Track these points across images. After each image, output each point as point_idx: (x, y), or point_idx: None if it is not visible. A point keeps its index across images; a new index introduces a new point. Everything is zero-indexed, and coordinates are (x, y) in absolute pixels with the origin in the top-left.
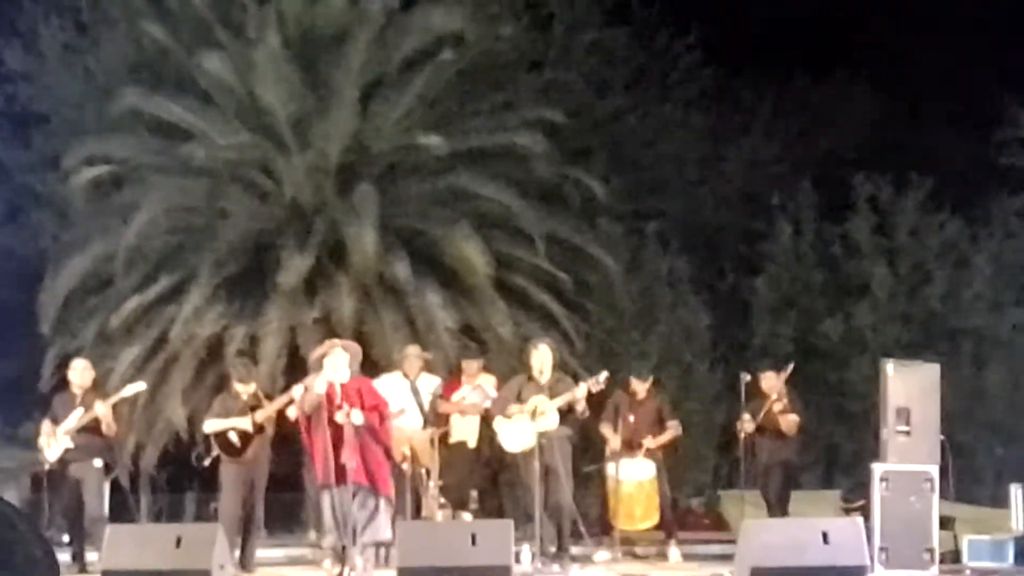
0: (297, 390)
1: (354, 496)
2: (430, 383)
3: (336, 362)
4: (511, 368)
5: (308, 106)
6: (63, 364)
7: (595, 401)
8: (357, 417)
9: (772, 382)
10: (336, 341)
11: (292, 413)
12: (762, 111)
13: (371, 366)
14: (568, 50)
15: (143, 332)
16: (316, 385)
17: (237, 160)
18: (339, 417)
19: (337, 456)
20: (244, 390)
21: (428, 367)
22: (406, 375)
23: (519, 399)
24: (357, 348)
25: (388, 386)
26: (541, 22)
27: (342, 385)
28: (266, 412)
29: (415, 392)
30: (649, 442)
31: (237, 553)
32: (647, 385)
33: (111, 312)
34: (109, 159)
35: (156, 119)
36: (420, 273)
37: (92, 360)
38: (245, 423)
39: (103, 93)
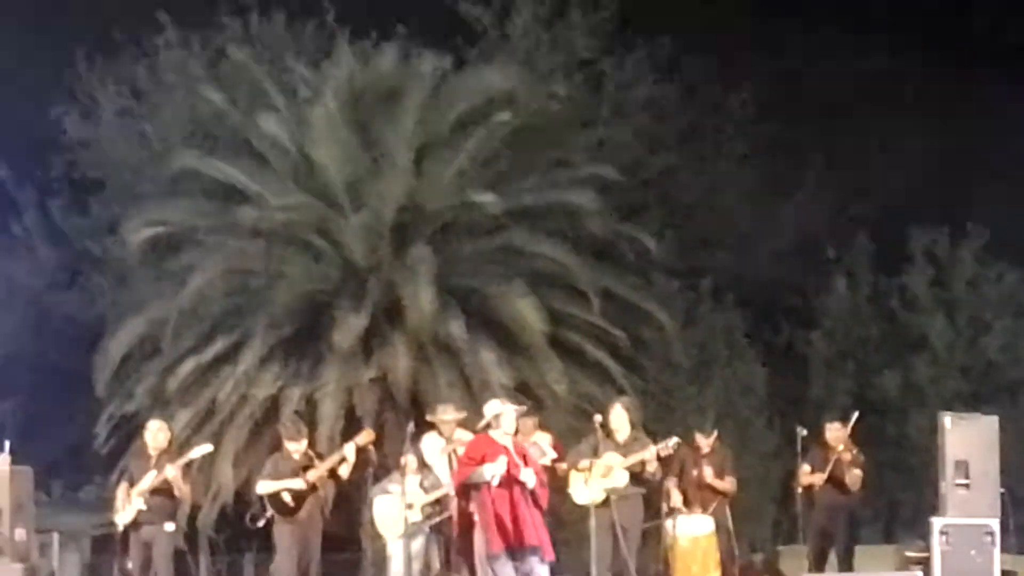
0: (349, 449)
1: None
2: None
3: (510, 420)
4: (567, 425)
5: (362, 167)
6: (119, 426)
7: (663, 460)
8: (530, 478)
9: (838, 433)
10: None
11: (345, 472)
12: (816, 164)
13: (427, 424)
14: (620, 107)
15: (199, 393)
16: (498, 463)
17: (292, 221)
18: (523, 476)
19: (515, 519)
20: (296, 449)
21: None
22: (441, 433)
23: (595, 455)
24: (523, 408)
25: (427, 444)
26: (593, 80)
27: (515, 444)
28: (318, 471)
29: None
30: (710, 475)
31: None
32: (711, 440)
33: (167, 374)
34: (165, 222)
35: (212, 182)
36: (475, 331)
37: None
38: (298, 483)
39: (159, 157)
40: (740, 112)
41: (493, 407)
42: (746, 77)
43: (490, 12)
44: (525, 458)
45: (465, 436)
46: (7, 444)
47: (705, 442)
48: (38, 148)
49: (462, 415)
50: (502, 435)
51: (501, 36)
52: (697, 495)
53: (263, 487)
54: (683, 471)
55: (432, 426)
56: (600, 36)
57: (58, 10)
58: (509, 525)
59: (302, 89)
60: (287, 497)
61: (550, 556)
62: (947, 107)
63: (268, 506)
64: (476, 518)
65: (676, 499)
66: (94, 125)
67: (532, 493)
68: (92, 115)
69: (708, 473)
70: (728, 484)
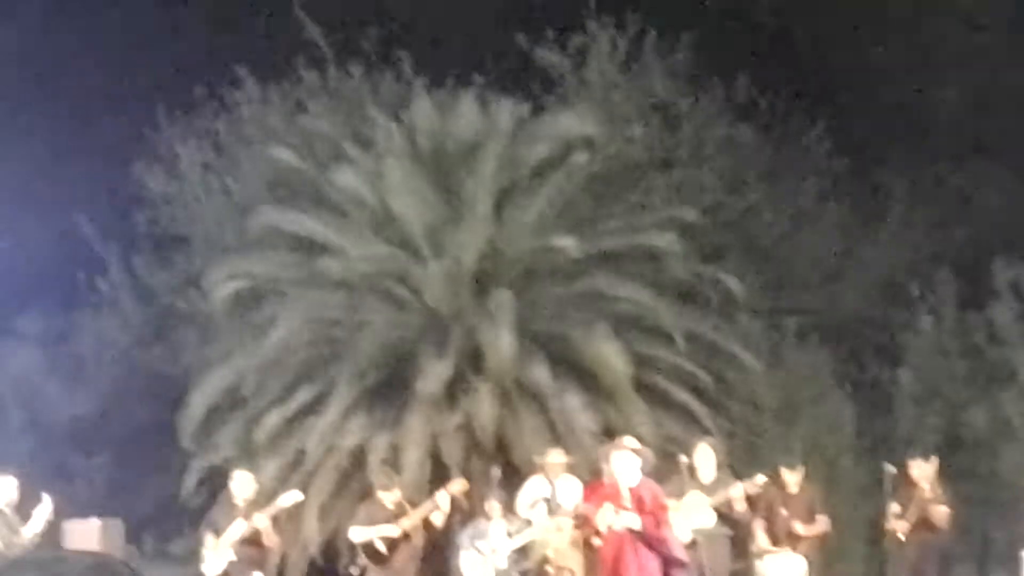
0: (442, 497)
1: None
2: (571, 485)
3: (623, 464)
4: (652, 468)
5: (442, 215)
6: (206, 479)
7: (751, 500)
8: (632, 520)
9: (922, 470)
10: (623, 442)
11: (437, 520)
12: (898, 199)
13: (512, 471)
14: (698, 148)
15: (285, 444)
16: (601, 511)
17: (373, 271)
18: (621, 521)
19: (619, 565)
20: (388, 498)
21: (569, 469)
22: (547, 478)
23: (680, 496)
24: (648, 453)
25: (530, 488)
26: (670, 122)
27: (630, 488)
28: (412, 519)
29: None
30: (800, 528)
31: None
32: (798, 478)
33: (253, 425)
34: (249, 275)
35: (293, 234)
36: (559, 376)
37: None
38: (391, 530)
39: (241, 211)
40: (818, 148)
41: (609, 453)
42: (823, 113)
43: (566, 57)
44: (641, 503)
45: (570, 481)
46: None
47: (792, 480)
48: (121, 205)
49: (569, 459)
50: (619, 480)
51: (578, 81)
52: (785, 537)
53: (357, 535)
54: (771, 511)
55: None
56: (676, 78)
57: (138, 66)
58: (608, 571)
59: (380, 139)
60: (380, 545)
61: None
62: None
63: (361, 555)
64: None
65: (763, 540)
66: (176, 180)
67: (648, 538)
68: (174, 170)
69: (799, 528)
70: (819, 527)
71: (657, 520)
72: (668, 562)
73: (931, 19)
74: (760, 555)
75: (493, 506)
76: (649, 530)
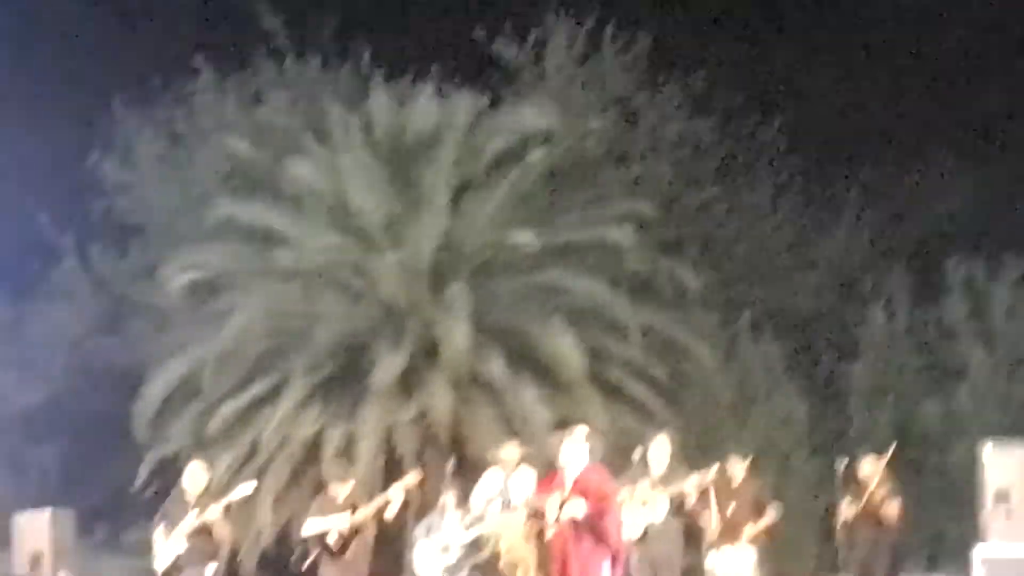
0: (395, 490)
1: None
2: (526, 478)
3: (571, 451)
4: (606, 461)
5: (399, 207)
6: (160, 470)
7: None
8: (577, 509)
9: (874, 466)
10: (573, 431)
11: (391, 513)
12: (853, 195)
13: (467, 463)
14: (655, 142)
15: (240, 435)
16: (544, 499)
17: (330, 263)
18: (566, 510)
19: (564, 555)
20: (341, 491)
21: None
22: (502, 470)
23: (633, 489)
24: (597, 441)
25: (486, 482)
26: (628, 116)
27: (576, 477)
28: (364, 513)
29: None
30: (750, 529)
31: None
32: (744, 469)
33: (207, 416)
34: (204, 266)
35: (249, 225)
36: (515, 369)
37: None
38: (343, 522)
39: (197, 202)
40: (774, 144)
41: (560, 443)
42: (779, 108)
43: (524, 51)
44: (586, 491)
45: (526, 473)
46: None
47: (738, 471)
48: (77, 194)
49: (525, 451)
50: (566, 469)
51: (536, 75)
52: (734, 528)
53: (309, 528)
54: (719, 504)
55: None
56: (634, 72)
57: (95, 57)
58: (559, 562)
59: (338, 131)
60: (332, 538)
61: None
62: (982, 136)
63: (313, 548)
64: None
65: (713, 533)
66: (132, 170)
67: (592, 527)
68: (130, 161)
69: (748, 528)
70: (768, 519)
71: (601, 508)
72: (614, 553)
73: (886, 19)
74: (711, 547)
75: (448, 499)
76: (592, 519)
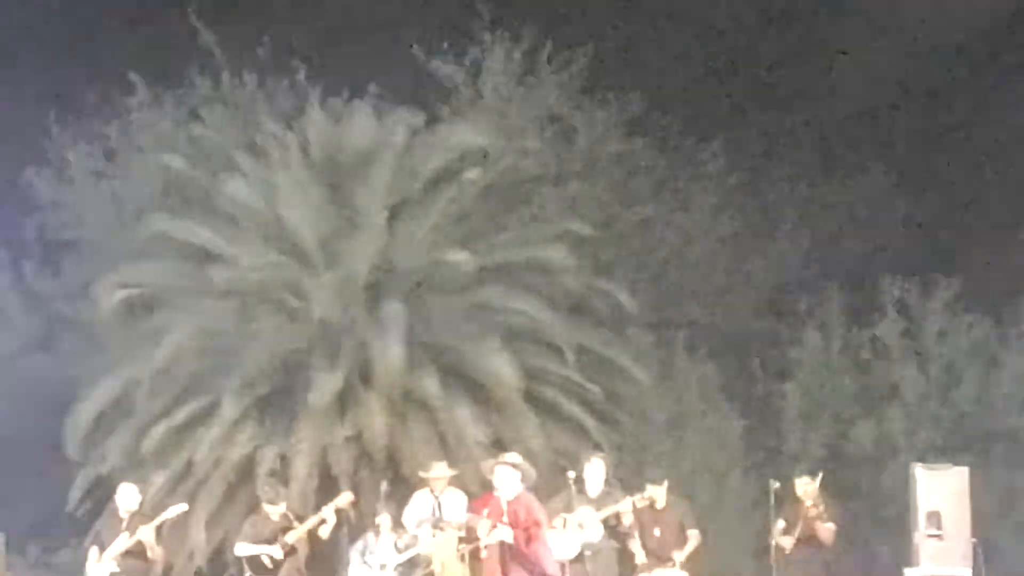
0: (328, 510)
1: None
2: (456, 498)
3: (503, 478)
4: (542, 481)
5: (335, 225)
6: (93, 489)
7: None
8: (504, 533)
9: (807, 488)
10: (505, 458)
11: (325, 533)
12: (788, 216)
13: (402, 483)
14: (592, 162)
15: (173, 455)
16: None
17: (265, 281)
18: (494, 534)
19: None
20: (274, 511)
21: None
22: (432, 491)
23: (568, 510)
24: (529, 468)
25: (416, 503)
26: (564, 135)
27: (508, 502)
28: (297, 533)
29: (439, 507)
30: (679, 556)
31: None
32: (664, 492)
33: (141, 436)
34: (139, 283)
35: (184, 243)
36: (450, 388)
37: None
38: (276, 550)
39: (132, 218)
40: (712, 164)
41: (493, 467)
42: (717, 129)
43: (462, 69)
44: (516, 517)
45: (455, 494)
46: None
47: (658, 494)
48: (10, 210)
49: (453, 472)
50: (499, 494)
51: (473, 93)
52: (662, 551)
53: (241, 550)
54: (643, 528)
55: (408, 484)
56: (570, 92)
57: (29, 71)
58: None
59: (274, 148)
60: (266, 559)
61: None
62: (917, 158)
63: (247, 568)
64: None
65: (640, 557)
66: (66, 186)
67: (518, 552)
68: (64, 176)
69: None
70: (690, 544)
71: (529, 535)
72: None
73: (826, 39)
74: (644, 570)
75: (382, 520)
76: (519, 545)
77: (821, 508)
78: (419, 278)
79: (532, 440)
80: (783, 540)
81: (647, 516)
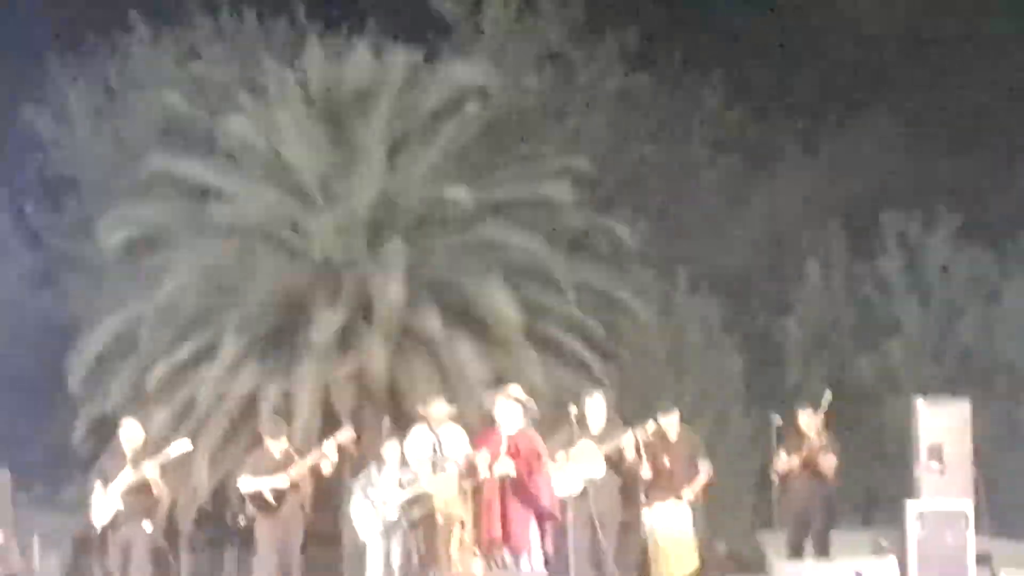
0: (329, 446)
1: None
2: (455, 434)
3: (504, 412)
4: (543, 417)
5: (335, 163)
6: (96, 426)
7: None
8: (506, 467)
9: (811, 420)
10: (508, 391)
11: (327, 468)
12: (789, 151)
13: (404, 419)
14: (592, 98)
15: (176, 392)
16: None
17: (266, 219)
18: (496, 468)
19: (491, 513)
20: (276, 447)
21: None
22: (431, 427)
23: (570, 446)
24: (531, 402)
25: (415, 438)
26: (565, 72)
27: (509, 437)
28: (299, 469)
29: (439, 443)
30: (687, 493)
31: None
32: (676, 423)
33: (144, 373)
34: (140, 222)
35: (185, 181)
36: (451, 325)
37: None
38: (280, 481)
39: (133, 157)
40: (712, 100)
41: (495, 400)
42: (717, 65)
43: (461, 5)
44: (517, 452)
45: (454, 430)
46: None
47: (669, 424)
48: (11, 149)
49: (452, 409)
50: (500, 429)
51: (472, 29)
52: (670, 484)
53: (245, 485)
54: (655, 459)
55: (410, 420)
56: (570, 28)
57: (28, 10)
58: (487, 518)
59: (273, 86)
60: (268, 495)
61: (519, 549)
62: (918, 93)
63: (250, 504)
64: None
65: (647, 474)
66: (66, 125)
67: (519, 486)
68: (64, 115)
69: (687, 494)
70: (703, 477)
71: (531, 470)
72: (540, 513)
73: None
74: (648, 504)
75: (384, 455)
76: (521, 479)
77: (825, 439)
78: (419, 215)
79: (533, 376)
80: (784, 473)
81: (658, 447)
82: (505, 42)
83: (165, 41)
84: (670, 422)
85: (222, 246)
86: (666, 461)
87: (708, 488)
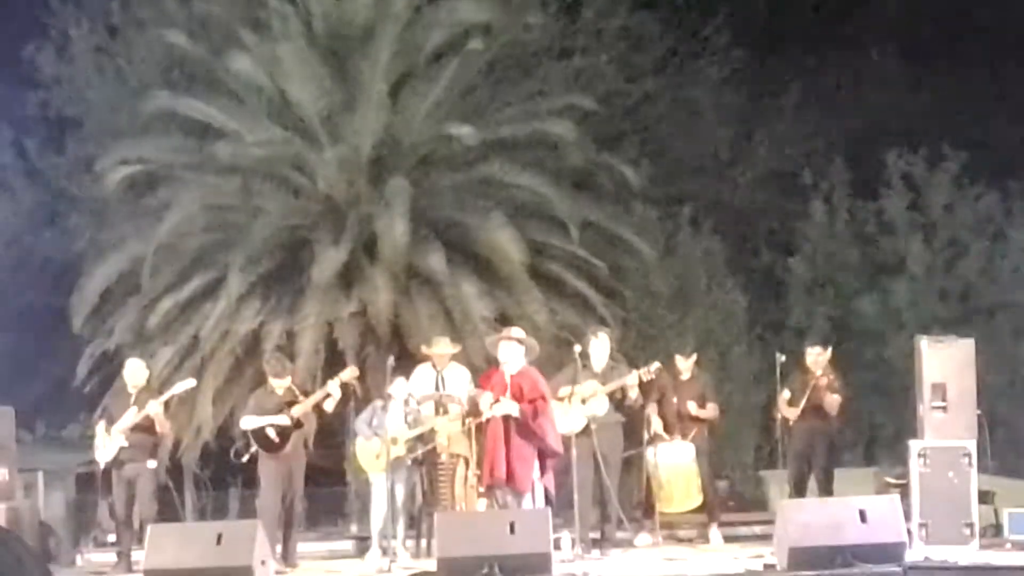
0: (333, 385)
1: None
2: (458, 373)
3: (507, 353)
4: (547, 355)
5: (338, 101)
6: (100, 364)
7: (644, 387)
8: (510, 407)
9: (817, 358)
10: (510, 332)
11: (330, 407)
12: (794, 89)
13: (408, 358)
14: (597, 36)
15: (179, 330)
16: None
17: (269, 157)
18: (497, 408)
19: (495, 452)
20: (279, 385)
21: (464, 357)
22: (434, 366)
23: (574, 384)
24: (533, 342)
25: (418, 377)
26: (569, 9)
27: (512, 376)
28: (303, 407)
29: (443, 382)
30: (692, 407)
31: (279, 548)
32: (691, 364)
33: (147, 311)
34: (142, 160)
35: (188, 119)
36: (455, 264)
37: None
38: (283, 419)
39: (135, 95)
40: (717, 39)
41: (497, 343)
42: (722, 3)
43: None
44: (520, 392)
45: (458, 369)
46: None
47: (684, 366)
48: (12, 86)
49: (456, 348)
50: (503, 368)
51: None
52: (677, 423)
53: (248, 423)
54: (663, 398)
55: (414, 359)
56: None
57: None
58: (490, 458)
59: (276, 23)
60: (272, 433)
61: (522, 489)
62: (923, 30)
63: (253, 442)
64: None
65: (657, 426)
66: (69, 63)
67: (523, 426)
68: (66, 53)
69: (691, 407)
70: (710, 412)
71: (535, 409)
72: (543, 452)
73: None
74: (651, 442)
75: (389, 393)
76: (525, 418)
77: (831, 378)
78: (423, 153)
79: (537, 315)
80: (788, 411)
81: (669, 386)
82: None
83: None
84: (685, 362)
85: (225, 184)
86: (675, 400)
87: (711, 426)
